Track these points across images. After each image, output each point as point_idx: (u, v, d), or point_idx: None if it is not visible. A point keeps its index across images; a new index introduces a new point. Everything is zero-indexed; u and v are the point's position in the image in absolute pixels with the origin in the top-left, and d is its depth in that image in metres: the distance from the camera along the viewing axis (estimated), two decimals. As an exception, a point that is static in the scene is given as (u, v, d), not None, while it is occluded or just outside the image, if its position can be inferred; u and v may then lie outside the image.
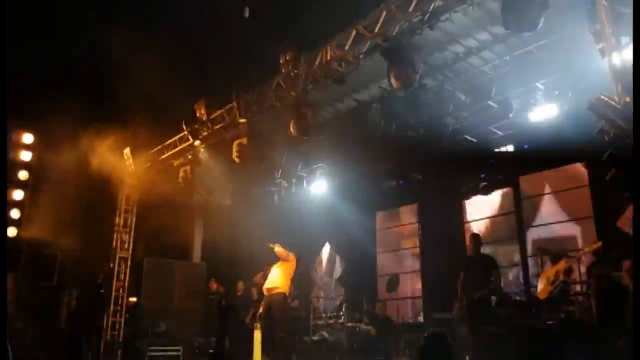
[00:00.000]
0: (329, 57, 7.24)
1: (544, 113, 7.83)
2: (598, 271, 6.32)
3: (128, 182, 11.15)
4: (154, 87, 9.60)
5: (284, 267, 7.98)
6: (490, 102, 8.31)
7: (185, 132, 9.43)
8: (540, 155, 8.90)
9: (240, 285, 11.13)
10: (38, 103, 10.94)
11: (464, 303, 7.18)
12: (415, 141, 9.66)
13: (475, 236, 7.65)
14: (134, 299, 10.88)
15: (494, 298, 8.38)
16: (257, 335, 8.12)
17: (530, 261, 9.74)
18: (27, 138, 10.97)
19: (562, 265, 7.25)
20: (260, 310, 8.05)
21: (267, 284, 8.03)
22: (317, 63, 7.38)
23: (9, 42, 7.54)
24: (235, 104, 8.48)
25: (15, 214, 10.58)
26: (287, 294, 8.15)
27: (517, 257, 10.20)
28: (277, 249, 7.90)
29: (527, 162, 9.46)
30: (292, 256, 8.03)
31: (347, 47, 7.02)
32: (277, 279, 7.96)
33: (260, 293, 8.45)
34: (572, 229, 9.62)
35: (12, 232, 10.52)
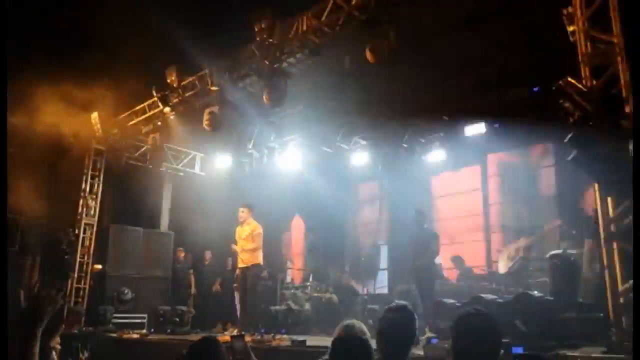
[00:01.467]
0: (304, 27, 7.18)
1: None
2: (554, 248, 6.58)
3: (95, 147, 10.92)
4: (123, 50, 9.35)
5: (252, 245, 8.04)
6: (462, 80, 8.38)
7: (155, 98, 9.23)
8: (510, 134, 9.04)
9: (208, 254, 11.15)
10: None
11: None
12: (389, 115, 9.73)
13: (417, 212, 7.89)
14: (99, 266, 10.77)
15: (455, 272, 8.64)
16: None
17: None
18: (-11, 97, 10.59)
19: (522, 242, 7.52)
20: (237, 272, 8.17)
21: (241, 264, 8.08)
22: (292, 33, 7.31)
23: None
24: (207, 71, 8.32)
25: (-25, 176, 10.31)
26: (262, 264, 8.25)
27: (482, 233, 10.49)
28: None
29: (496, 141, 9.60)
30: (257, 232, 8.07)
31: (323, 18, 6.97)
32: (249, 256, 8.01)
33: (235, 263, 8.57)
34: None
35: (-28, 194, 10.27)
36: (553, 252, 6.20)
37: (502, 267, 7.75)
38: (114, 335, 8.71)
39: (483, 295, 6.00)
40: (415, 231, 7.79)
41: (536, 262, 7.32)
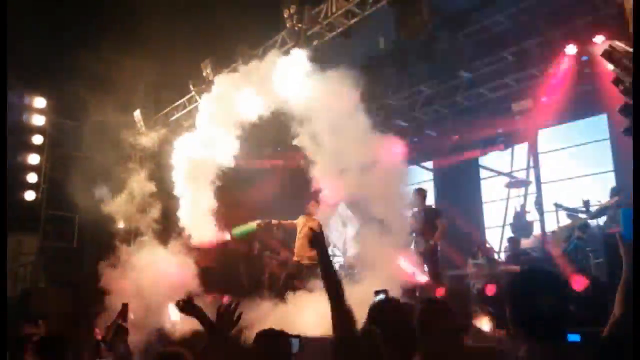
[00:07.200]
0: (334, 10, 6.97)
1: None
2: (608, 226, 6.11)
3: (141, 144, 11.11)
4: (161, 48, 9.45)
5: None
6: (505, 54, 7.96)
7: (193, 93, 9.28)
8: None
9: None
10: (50, 68, 10.92)
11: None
12: (428, 95, 9.42)
13: (417, 190, 7.50)
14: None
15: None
16: None
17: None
18: (40, 102, 11.00)
19: (577, 221, 7.04)
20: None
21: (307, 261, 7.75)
22: (322, 16, 7.11)
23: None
24: (240, 62, 8.25)
25: (32, 178, 10.73)
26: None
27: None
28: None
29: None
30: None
31: (352, -2, 6.72)
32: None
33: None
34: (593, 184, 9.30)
35: (30, 195, 10.70)
36: (610, 231, 5.74)
37: (555, 247, 7.27)
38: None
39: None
40: (420, 208, 7.40)
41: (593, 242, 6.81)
